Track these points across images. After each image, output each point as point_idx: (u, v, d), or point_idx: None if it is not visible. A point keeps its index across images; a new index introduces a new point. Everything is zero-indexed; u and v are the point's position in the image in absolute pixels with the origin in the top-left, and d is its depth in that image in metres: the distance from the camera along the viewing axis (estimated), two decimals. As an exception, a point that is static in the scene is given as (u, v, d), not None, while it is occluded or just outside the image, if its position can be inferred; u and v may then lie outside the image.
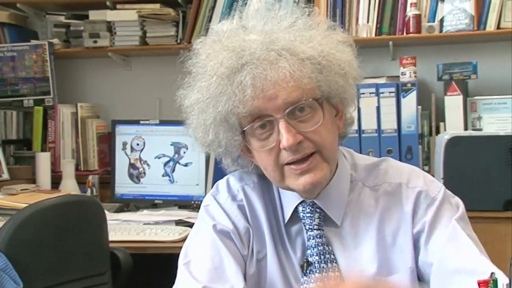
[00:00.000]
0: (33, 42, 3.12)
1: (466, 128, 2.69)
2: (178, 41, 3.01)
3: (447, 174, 2.41)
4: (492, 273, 0.94)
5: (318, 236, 1.17)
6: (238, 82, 1.08)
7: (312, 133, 1.10)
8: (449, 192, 1.21)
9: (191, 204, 2.76)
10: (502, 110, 2.68)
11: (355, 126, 2.70)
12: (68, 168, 2.94)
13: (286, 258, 1.18)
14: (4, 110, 3.10)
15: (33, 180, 2.90)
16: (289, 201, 1.19)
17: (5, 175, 2.87)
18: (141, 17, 3.01)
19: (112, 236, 2.26)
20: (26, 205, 2.02)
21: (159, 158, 2.84)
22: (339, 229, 1.18)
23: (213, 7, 2.97)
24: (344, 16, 2.85)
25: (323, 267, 1.15)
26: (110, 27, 3.05)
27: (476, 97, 2.73)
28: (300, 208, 1.19)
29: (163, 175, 2.83)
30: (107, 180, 2.94)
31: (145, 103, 3.18)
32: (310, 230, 1.17)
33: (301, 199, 1.18)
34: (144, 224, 2.49)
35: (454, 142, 2.44)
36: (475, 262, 1.09)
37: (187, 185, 2.80)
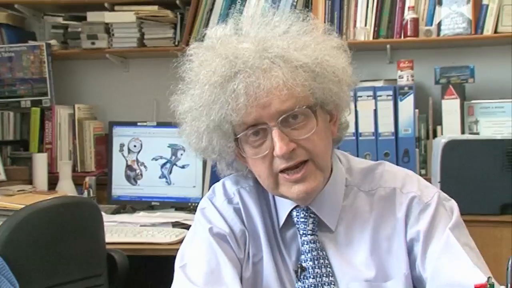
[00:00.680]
0: (31, 43, 3.12)
1: (463, 132, 2.70)
2: (176, 43, 3.01)
3: (444, 177, 2.42)
4: (489, 277, 0.94)
5: (312, 241, 1.16)
6: (231, 90, 1.07)
7: (305, 140, 1.10)
8: (444, 195, 1.21)
9: (188, 206, 2.76)
10: (499, 114, 2.69)
11: (352, 129, 2.72)
12: (65, 170, 2.93)
13: (281, 262, 1.18)
14: (1, 111, 3.09)
15: (29, 181, 2.90)
16: (284, 205, 1.19)
17: (2, 176, 2.87)
18: (139, 19, 3.01)
19: (109, 237, 2.26)
20: (22, 206, 2.02)
21: (156, 160, 2.84)
22: (333, 234, 1.18)
23: (211, 10, 2.97)
24: (342, 19, 2.85)
25: (317, 272, 1.15)
26: (108, 28, 3.05)
27: (473, 101, 2.73)
28: (294, 213, 1.18)
29: (160, 177, 2.83)
30: (104, 182, 2.93)
31: (142, 105, 3.18)
32: (304, 235, 1.17)
33: (295, 204, 1.18)
34: (141, 226, 2.49)
35: (451, 146, 2.44)
36: (468, 274, 1.08)
37: (184, 187, 2.80)
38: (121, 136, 2.89)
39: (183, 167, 2.81)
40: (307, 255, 1.16)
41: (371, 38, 2.83)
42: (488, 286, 0.92)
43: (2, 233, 1.84)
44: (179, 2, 3.02)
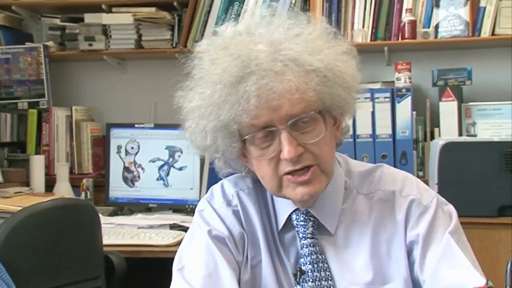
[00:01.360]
0: (28, 44, 3.12)
1: (460, 134, 2.70)
2: (174, 44, 3.01)
3: (442, 179, 2.42)
4: (488, 281, 0.94)
5: (311, 244, 1.16)
6: (243, 91, 1.06)
7: (312, 145, 1.10)
8: (442, 199, 1.21)
9: (185, 208, 2.75)
10: (496, 116, 2.69)
11: (350, 131, 2.72)
12: (62, 171, 2.93)
13: (280, 265, 1.18)
14: (-2, 112, 3.09)
15: (27, 183, 2.89)
16: (283, 208, 1.19)
17: (-1, 178, 2.86)
18: (136, 20, 3.00)
19: (106, 240, 2.25)
20: (19, 208, 2.01)
21: (153, 161, 2.84)
22: (333, 237, 1.18)
23: (209, 11, 2.97)
24: (340, 21, 2.86)
25: (316, 276, 1.15)
26: (105, 30, 3.05)
27: (470, 103, 2.74)
28: (294, 216, 1.18)
29: (157, 179, 2.83)
30: (101, 184, 2.93)
31: (140, 107, 3.18)
32: (303, 239, 1.17)
33: (295, 207, 1.18)
34: (138, 228, 2.49)
35: (449, 148, 2.44)
36: (469, 278, 1.08)
37: (182, 189, 2.79)
38: (118, 138, 2.88)
39: (180, 169, 2.80)
40: (306, 258, 1.16)
41: (368, 40, 2.83)
42: (487, 288, 0.92)
43: (-1, 235, 1.84)
44: (177, 4, 3.01)
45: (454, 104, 2.71)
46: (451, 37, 2.76)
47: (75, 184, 2.91)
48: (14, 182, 2.85)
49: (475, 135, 2.69)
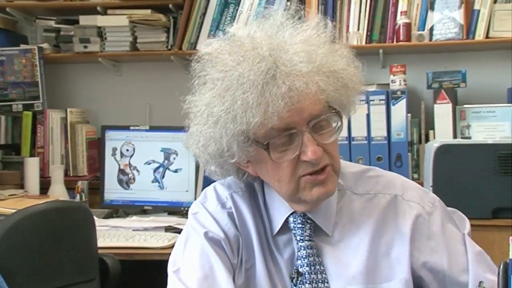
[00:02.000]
0: (23, 46, 3.11)
1: (455, 136, 2.71)
2: (169, 47, 3.01)
3: (436, 181, 2.42)
4: (481, 282, 0.94)
5: (309, 247, 1.16)
6: (268, 94, 1.04)
7: (329, 145, 1.11)
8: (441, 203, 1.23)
9: (180, 210, 2.75)
10: (491, 118, 2.70)
11: (344, 134, 2.73)
12: (57, 174, 2.92)
13: (274, 268, 1.18)
14: (-7, 114, 3.09)
15: (21, 186, 2.88)
16: (279, 212, 1.18)
17: (-7, 180, 2.86)
18: (131, 22, 3.00)
19: (101, 242, 2.25)
20: (14, 210, 2.01)
21: (148, 164, 2.84)
22: (329, 238, 1.18)
23: (204, 13, 2.97)
24: (335, 23, 2.86)
25: (313, 278, 1.15)
26: (100, 32, 3.05)
27: (465, 106, 2.75)
28: (291, 219, 1.18)
29: (152, 181, 2.83)
30: (96, 186, 2.93)
31: (135, 109, 3.17)
32: (301, 241, 1.17)
33: (292, 210, 1.17)
34: (133, 230, 2.48)
35: (443, 150, 2.45)
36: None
37: (177, 191, 2.79)
38: (113, 140, 2.88)
39: (175, 171, 2.80)
40: (304, 260, 1.16)
41: (363, 43, 2.84)
42: (481, 290, 0.92)
43: (-7, 238, 1.84)
44: (172, 6, 3.01)
45: (449, 106, 2.72)
46: (445, 39, 2.77)
47: (70, 186, 2.91)
48: (8, 185, 2.84)
49: (469, 138, 2.69)
